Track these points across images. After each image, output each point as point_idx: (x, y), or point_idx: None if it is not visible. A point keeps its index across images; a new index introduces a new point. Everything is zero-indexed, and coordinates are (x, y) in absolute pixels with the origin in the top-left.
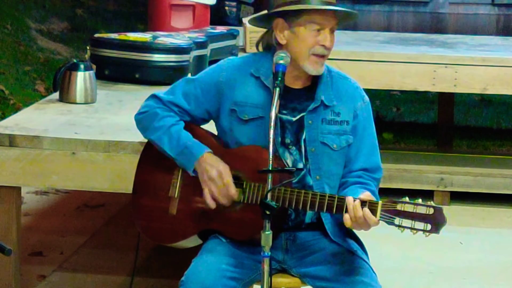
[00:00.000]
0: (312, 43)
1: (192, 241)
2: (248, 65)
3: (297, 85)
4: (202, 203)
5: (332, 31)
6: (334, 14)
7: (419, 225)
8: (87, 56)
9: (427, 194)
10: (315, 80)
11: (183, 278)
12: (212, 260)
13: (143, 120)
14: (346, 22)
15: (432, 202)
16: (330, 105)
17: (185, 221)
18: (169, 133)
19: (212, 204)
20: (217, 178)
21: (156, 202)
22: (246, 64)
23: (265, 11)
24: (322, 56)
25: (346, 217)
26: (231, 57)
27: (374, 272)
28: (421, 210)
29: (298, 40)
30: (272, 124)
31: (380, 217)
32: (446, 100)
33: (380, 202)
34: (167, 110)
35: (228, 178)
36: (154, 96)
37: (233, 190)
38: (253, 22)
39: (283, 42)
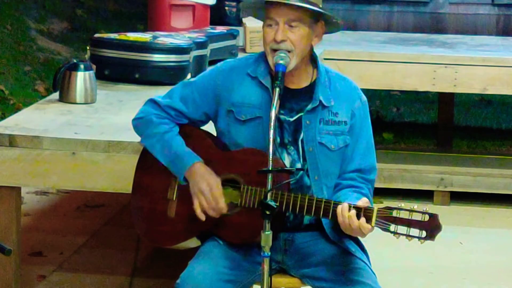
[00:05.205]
0: (269, 39)
1: (191, 243)
2: (245, 66)
3: (294, 85)
4: None
5: (290, 25)
6: (288, 7)
7: (414, 232)
8: (87, 56)
9: (427, 194)
10: (313, 81)
11: (178, 281)
12: (208, 263)
13: (138, 126)
14: (328, 27)
15: (427, 209)
16: (328, 105)
17: (183, 224)
18: (162, 140)
19: (201, 217)
20: (206, 192)
21: (155, 205)
22: (242, 65)
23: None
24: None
25: (341, 224)
26: (228, 60)
27: (373, 273)
28: (417, 216)
29: (263, 37)
30: (272, 124)
31: (375, 223)
32: (446, 100)
33: (375, 208)
34: (163, 116)
35: (218, 191)
36: (151, 101)
37: (222, 204)
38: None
39: None
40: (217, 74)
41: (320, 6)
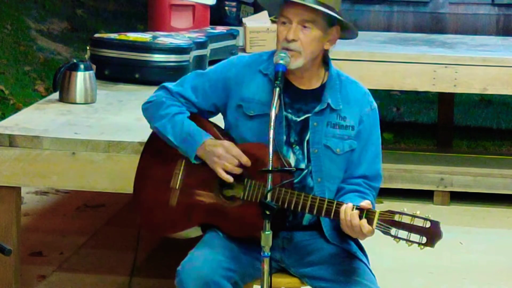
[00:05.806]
0: (282, 37)
1: (192, 232)
2: (258, 63)
3: (304, 86)
4: (202, 196)
5: (303, 26)
6: (304, 8)
7: (415, 237)
8: (87, 56)
9: (427, 194)
10: (323, 83)
11: (178, 268)
12: (208, 251)
13: (149, 108)
14: (343, 33)
15: (429, 216)
16: (336, 108)
17: (185, 213)
18: (173, 121)
19: (229, 178)
20: (225, 153)
21: (157, 194)
22: (255, 62)
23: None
24: (289, 50)
25: (343, 223)
26: (241, 54)
27: (373, 273)
28: (418, 222)
29: (276, 35)
30: (272, 123)
31: (377, 226)
32: (446, 100)
33: (377, 211)
34: (174, 100)
35: (235, 149)
36: (163, 87)
37: (244, 159)
38: None
39: None
40: (229, 67)
41: (337, 10)
